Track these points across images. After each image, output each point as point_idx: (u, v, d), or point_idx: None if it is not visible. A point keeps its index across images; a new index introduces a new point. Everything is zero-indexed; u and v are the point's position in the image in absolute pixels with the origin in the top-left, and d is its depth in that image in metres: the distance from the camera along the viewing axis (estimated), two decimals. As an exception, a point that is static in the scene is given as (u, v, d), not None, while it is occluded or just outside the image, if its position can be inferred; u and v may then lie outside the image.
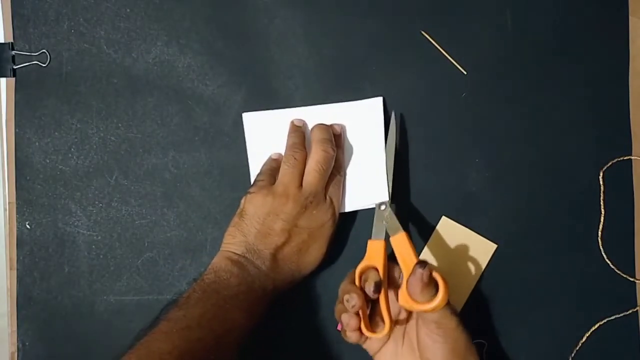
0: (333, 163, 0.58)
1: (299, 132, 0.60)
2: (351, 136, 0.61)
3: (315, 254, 0.58)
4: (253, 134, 0.62)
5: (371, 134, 0.61)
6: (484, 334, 0.61)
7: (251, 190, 0.57)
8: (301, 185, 0.57)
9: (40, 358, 0.61)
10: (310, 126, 0.61)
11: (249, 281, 0.54)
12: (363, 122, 0.61)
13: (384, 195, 0.59)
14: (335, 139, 0.59)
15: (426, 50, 0.62)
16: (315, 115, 0.61)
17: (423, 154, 0.62)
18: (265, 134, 0.62)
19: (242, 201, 0.57)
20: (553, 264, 0.62)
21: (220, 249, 0.57)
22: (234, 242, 0.56)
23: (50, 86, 0.62)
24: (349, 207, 0.60)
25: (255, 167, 0.61)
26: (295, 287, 0.59)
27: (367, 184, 0.60)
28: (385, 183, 0.60)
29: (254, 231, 0.56)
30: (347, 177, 0.61)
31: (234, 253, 0.56)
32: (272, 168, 0.59)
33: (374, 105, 0.61)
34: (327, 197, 0.58)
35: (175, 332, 0.49)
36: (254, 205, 0.56)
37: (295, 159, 0.57)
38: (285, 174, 0.57)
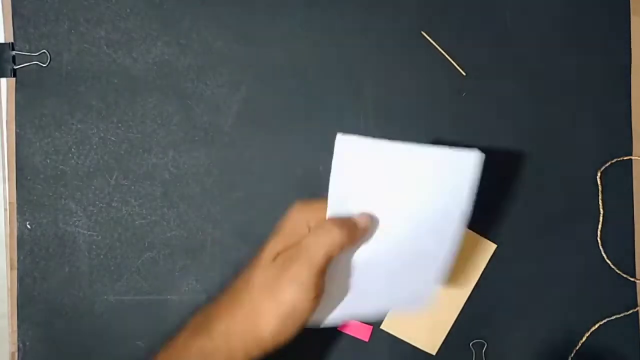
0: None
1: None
2: (429, 198, 0.52)
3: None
4: (342, 158, 0.53)
5: (452, 203, 0.51)
6: (483, 334, 0.61)
7: None
8: None
9: (41, 358, 0.61)
10: (395, 165, 0.53)
11: None
12: (448, 180, 0.52)
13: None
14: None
15: (426, 50, 0.62)
16: (408, 156, 0.53)
17: (423, 154, 0.62)
18: (355, 161, 0.53)
19: None
20: (553, 264, 0.62)
21: None
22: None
23: (51, 86, 0.62)
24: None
25: (334, 192, 0.54)
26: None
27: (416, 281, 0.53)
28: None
29: None
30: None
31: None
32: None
33: (467, 161, 0.51)
34: None
35: None
36: None
37: None
38: None
